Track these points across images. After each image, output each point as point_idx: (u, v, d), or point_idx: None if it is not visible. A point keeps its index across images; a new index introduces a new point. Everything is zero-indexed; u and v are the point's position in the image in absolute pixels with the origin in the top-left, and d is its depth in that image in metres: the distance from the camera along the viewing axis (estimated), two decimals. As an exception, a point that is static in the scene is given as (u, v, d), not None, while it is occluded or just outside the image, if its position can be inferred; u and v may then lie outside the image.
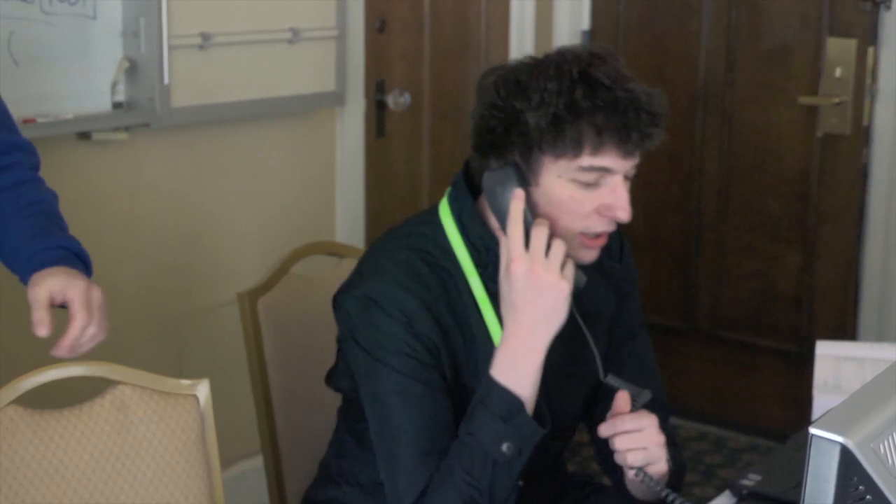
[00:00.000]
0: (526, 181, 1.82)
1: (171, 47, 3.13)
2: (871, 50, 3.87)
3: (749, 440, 4.12)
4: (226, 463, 3.32)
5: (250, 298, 2.29)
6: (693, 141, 4.26)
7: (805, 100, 3.99)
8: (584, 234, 1.84)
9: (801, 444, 1.02)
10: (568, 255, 1.81)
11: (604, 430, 1.86)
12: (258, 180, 3.56)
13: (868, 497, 0.92)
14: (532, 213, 1.81)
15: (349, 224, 3.82)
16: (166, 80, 3.12)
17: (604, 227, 1.84)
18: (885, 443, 0.95)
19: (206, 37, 3.24)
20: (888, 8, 3.83)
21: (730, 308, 4.32)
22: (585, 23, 4.42)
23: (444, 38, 4.10)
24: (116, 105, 3.10)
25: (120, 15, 3.07)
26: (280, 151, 3.61)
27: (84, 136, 3.06)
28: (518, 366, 1.79)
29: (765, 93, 4.10)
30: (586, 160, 1.78)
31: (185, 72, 3.19)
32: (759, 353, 4.27)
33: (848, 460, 0.91)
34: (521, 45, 4.31)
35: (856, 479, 0.91)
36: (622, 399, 1.87)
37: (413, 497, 1.81)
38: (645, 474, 1.84)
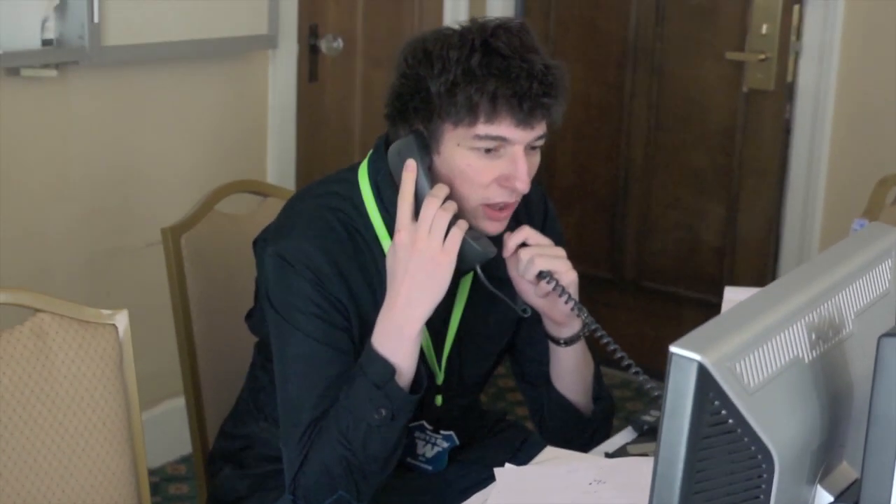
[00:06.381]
0: (429, 150, 1.85)
1: (102, -15, 3.13)
2: (796, 7, 3.94)
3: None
4: (151, 403, 3.36)
5: (173, 234, 2.32)
6: (622, 94, 4.33)
7: (732, 55, 4.06)
8: (487, 206, 1.87)
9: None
10: (471, 228, 1.85)
11: (511, 238, 1.90)
12: (189, 121, 3.58)
13: (723, 412, 0.98)
14: (432, 183, 1.84)
15: (281, 167, 3.85)
16: (96, 19, 3.12)
17: (504, 197, 1.86)
18: (742, 362, 1.01)
19: (138, -24, 3.24)
20: (813, -34, 3.91)
21: (655, 259, 4.41)
22: (521, -27, 4.46)
23: (379, -16, 4.12)
24: (46, 42, 3.10)
25: (51, -48, 3.07)
26: (212, 93, 3.62)
27: (13, 71, 3.06)
28: (394, 335, 1.83)
29: (693, 47, 4.17)
30: (482, 128, 1.81)
31: (116, 10, 3.20)
32: (682, 304, 4.37)
33: (705, 378, 0.97)
34: (457, -9, 4.34)
35: (711, 394, 0.97)
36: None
37: (302, 457, 1.87)
38: (557, 282, 1.88)
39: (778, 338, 1.06)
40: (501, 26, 1.84)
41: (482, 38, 1.81)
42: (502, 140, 1.82)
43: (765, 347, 1.04)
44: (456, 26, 1.87)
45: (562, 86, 1.84)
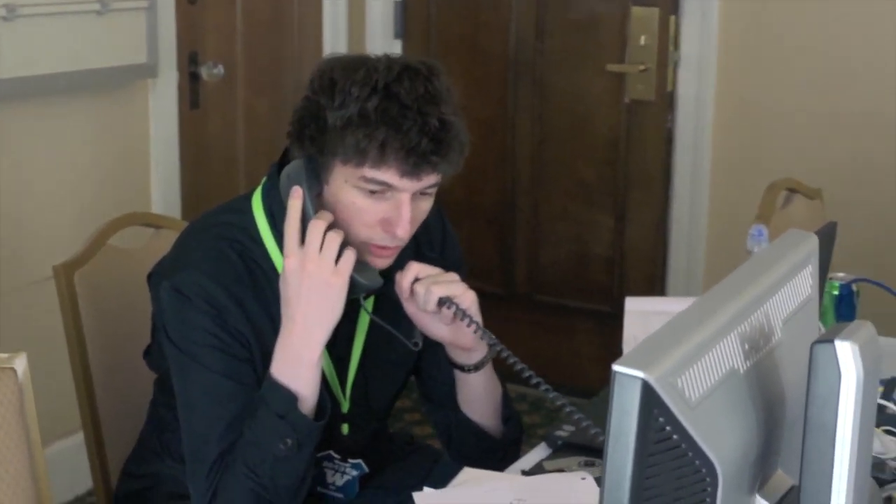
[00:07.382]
0: (319, 178, 1.84)
1: (-26, 19, 3.05)
2: (672, 18, 4.00)
3: (567, 400, 4.22)
4: (47, 441, 3.28)
5: (66, 271, 2.25)
6: (506, 109, 4.34)
7: (612, 67, 4.12)
8: (370, 243, 1.86)
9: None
10: (358, 260, 1.82)
11: (403, 278, 1.88)
12: (71, 154, 3.50)
13: (668, 428, 0.98)
14: (315, 210, 1.82)
15: (165, 197, 3.78)
16: (-32, 54, 3.05)
17: (385, 241, 1.85)
18: (684, 377, 1.01)
19: (10, 8, 3.16)
20: (688, -23, 3.98)
21: (546, 272, 4.43)
22: (399, -7, 4.46)
23: (257, 11, 4.08)
24: (-81, 79, 3.02)
25: (-81, -14, 2.99)
26: (92, 124, 3.55)
27: None
28: (294, 362, 1.81)
29: (574, 61, 4.21)
30: (368, 171, 1.79)
31: (-12, 45, 3.12)
32: (575, 315, 4.40)
33: (649, 395, 0.96)
34: (335, 18, 4.32)
35: (656, 411, 0.96)
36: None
37: (210, 493, 1.84)
38: (457, 306, 1.86)
39: (714, 350, 1.06)
40: (409, 69, 1.81)
41: (385, 81, 1.78)
42: (388, 186, 1.81)
43: (703, 361, 1.03)
44: (372, 56, 1.85)
45: (455, 143, 1.83)
